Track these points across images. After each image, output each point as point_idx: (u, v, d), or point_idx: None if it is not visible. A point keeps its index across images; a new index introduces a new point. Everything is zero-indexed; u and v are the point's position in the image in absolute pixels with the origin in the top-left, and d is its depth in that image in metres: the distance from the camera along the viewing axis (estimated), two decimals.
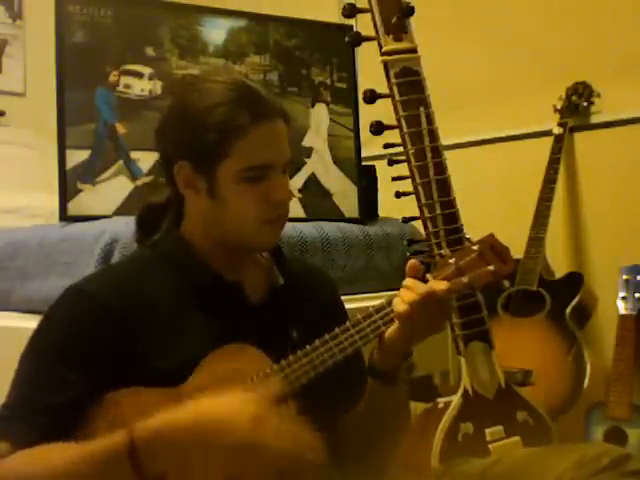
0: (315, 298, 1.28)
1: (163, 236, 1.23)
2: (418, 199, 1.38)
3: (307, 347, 1.08)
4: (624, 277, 2.19)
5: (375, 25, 1.38)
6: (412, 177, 1.38)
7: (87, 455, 0.95)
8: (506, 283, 2.32)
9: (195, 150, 1.13)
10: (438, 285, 1.06)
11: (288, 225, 1.23)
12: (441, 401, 1.48)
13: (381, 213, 2.19)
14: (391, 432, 1.26)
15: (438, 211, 1.36)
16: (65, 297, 1.13)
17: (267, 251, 1.27)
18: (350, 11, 1.41)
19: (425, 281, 1.08)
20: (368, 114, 1.60)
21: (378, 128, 1.40)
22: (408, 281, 1.09)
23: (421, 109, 1.37)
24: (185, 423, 0.93)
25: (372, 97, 1.39)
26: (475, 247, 1.09)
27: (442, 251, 1.32)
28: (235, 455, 0.92)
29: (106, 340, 1.08)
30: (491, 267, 1.06)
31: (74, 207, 1.79)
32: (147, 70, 1.89)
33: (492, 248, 1.08)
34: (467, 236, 1.31)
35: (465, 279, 1.06)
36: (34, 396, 1.06)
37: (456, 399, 1.43)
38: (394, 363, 1.15)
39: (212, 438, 0.92)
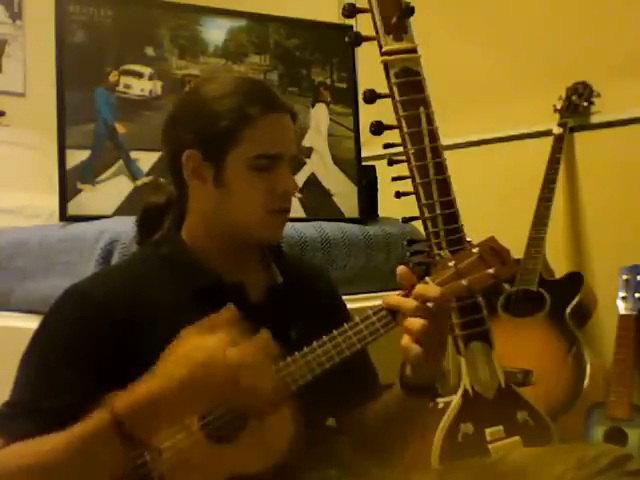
0: (314, 297, 1.28)
1: (164, 236, 1.23)
2: (418, 199, 1.38)
3: (305, 349, 1.07)
4: (624, 277, 2.19)
5: (375, 25, 1.38)
6: (412, 177, 1.38)
7: (73, 439, 0.97)
8: (506, 286, 2.33)
9: (206, 137, 1.14)
10: (433, 291, 1.05)
11: (288, 225, 1.24)
12: (441, 401, 1.48)
13: (381, 213, 2.19)
14: (408, 438, 1.28)
15: (438, 211, 1.36)
16: (66, 297, 1.13)
17: (268, 248, 1.27)
18: (350, 11, 1.41)
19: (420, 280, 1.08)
20: (368, 114, 1.60)
21: (378, 128, 1.40)
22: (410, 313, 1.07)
23: (421, 109, 1.37)
24: (158, 390, 0.96)
25: (372, 97, 1.39)
26: (475, 250, 1.07)
27: (442, 252, 1.32)
28: (214, 392, 0.97)
29: (107, 340, 1.08)
30: (491, 270, 1.05)
31: (74, 207, 1.79)
32: (147, 70, 1.89)
33: (492, 250, 1.06)
34: (468, 239, 1.31)
35: (465, 282, 1.05)
36: (35, 396, 1.06)
37: (456, 399, 1.42)
38: (426, 379, 1.15)
39: (189, 388, 0.95)
